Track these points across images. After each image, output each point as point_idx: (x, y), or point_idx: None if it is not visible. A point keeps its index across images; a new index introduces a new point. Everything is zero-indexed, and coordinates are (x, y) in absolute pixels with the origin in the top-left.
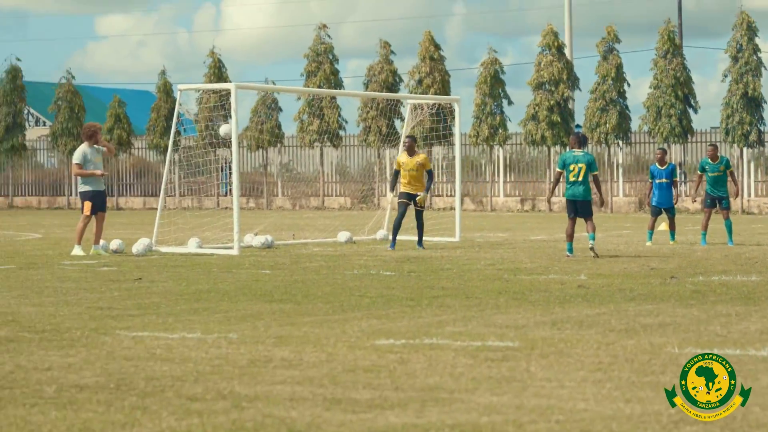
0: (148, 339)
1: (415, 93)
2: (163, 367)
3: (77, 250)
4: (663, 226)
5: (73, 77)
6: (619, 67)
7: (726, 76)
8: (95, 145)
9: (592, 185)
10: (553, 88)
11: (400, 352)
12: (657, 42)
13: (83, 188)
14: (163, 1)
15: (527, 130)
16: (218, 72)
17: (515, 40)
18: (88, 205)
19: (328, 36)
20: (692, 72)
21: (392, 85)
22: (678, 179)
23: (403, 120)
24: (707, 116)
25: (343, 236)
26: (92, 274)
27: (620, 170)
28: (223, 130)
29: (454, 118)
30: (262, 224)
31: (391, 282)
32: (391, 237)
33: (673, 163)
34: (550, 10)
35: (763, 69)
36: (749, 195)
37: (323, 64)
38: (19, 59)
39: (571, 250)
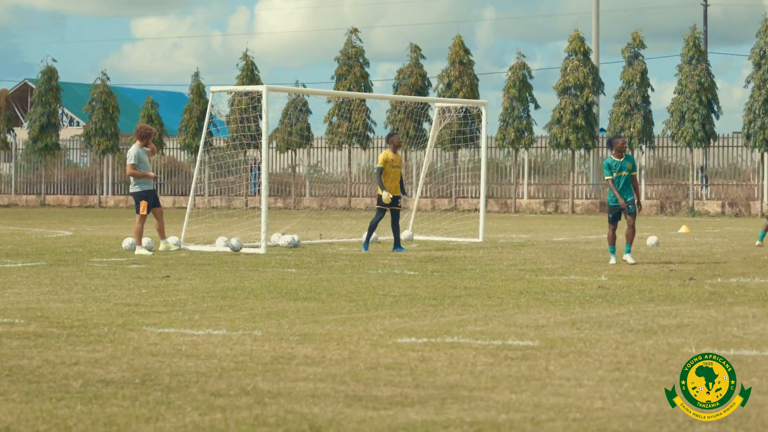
0: (174, 335)
1: (445, 96)
2: (188, 363)
3: (141, 251)
4: (684, 228)
5: (107, 78)
6: (643, 73)
7: (749, 82)
8: (144, 147)
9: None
10: (578, 93)
11: (422, 351)
12: (682, 48)
13: (135, 189)
14: (198, 4)
15: (552, 133)
16: (250, 74)
17: (543, 45)
18: (144, 204)
19: (359, 40)
20: (716, 78)
21: (421, 89)
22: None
23: (431, 123)
24: (730, 121)
25: None
26: (120, 271)
27: (642, 173)
28: None
29: (481, 121)
30: (290, 224)
31: (414, 281)
32: (365, 239)
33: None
34: (578, 16)
35: None
36: None
37: (353, 68)
38: (55, 60)
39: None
